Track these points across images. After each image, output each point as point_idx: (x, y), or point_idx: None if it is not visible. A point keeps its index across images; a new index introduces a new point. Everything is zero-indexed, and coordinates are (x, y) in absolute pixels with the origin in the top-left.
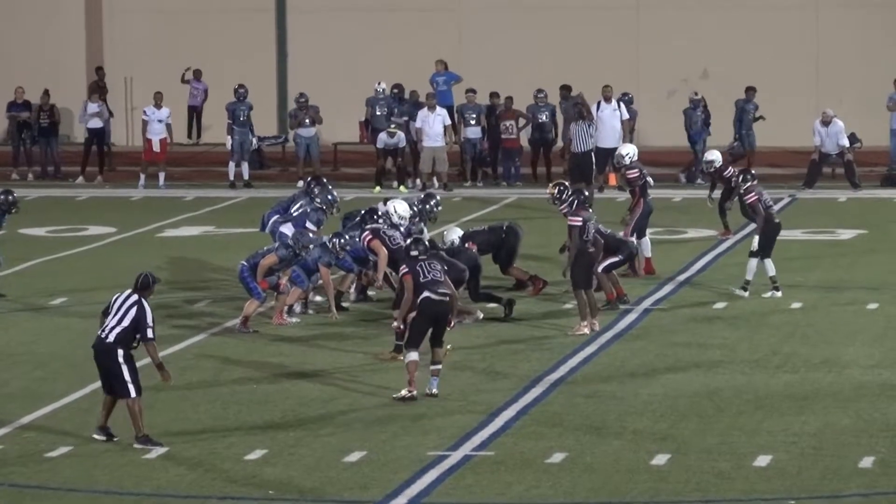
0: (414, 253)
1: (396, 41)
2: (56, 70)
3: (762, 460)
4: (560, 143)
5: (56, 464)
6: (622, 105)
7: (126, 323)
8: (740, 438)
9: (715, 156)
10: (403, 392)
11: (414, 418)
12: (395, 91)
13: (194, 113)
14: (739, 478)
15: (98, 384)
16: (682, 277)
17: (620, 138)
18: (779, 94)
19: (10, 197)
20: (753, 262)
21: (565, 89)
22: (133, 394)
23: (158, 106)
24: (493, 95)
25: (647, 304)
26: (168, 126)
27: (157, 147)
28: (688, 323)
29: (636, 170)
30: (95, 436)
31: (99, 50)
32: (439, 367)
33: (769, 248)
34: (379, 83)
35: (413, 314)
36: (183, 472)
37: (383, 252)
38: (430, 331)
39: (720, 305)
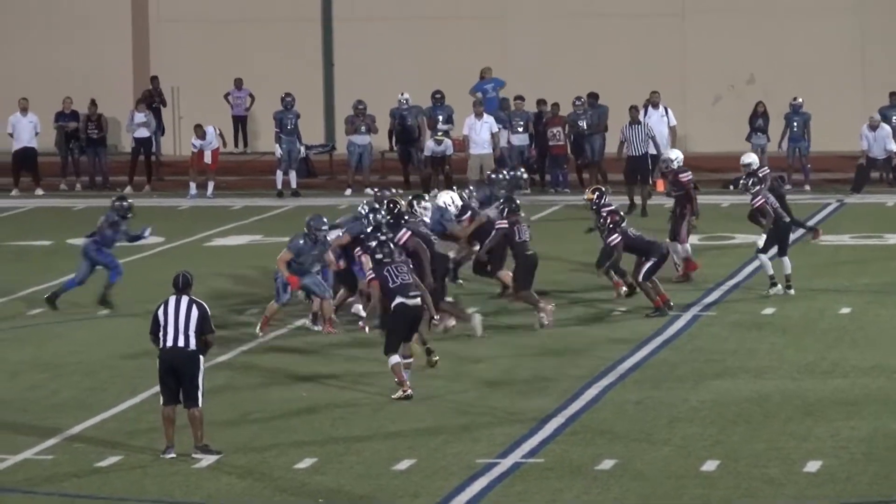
0: (378, 256)
1: (441, 49)
2: (103, 80)
3: (812, 466)
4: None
5: (106, 474)
6: (669, 111)
7: (193, 325)
8: (789, 444)
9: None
10: (399, 393)
11: (464, 426)
12: (438, 97)
13: (239, 122)
14: (789, 483)
15: (148, 393)
16: (730, 283)
17: (668, 144)
18: (826, 99)
19: (125, 203)
20: (764, 257)
21: (592, 97)
22: (201, 403)
23: (202, 136)
24: (541, 103)
25: (695, 310)
26: (221, 136)
27: (208, 158)
28: (736, 329)
29: (688, 173)
30: (167, 455)
31: (146, 60)
32: (411, 360)
33: (784, 247)
34: (402, 93)
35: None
36: (233, 481)
37: (426, 252)
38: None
39: (769, 311)
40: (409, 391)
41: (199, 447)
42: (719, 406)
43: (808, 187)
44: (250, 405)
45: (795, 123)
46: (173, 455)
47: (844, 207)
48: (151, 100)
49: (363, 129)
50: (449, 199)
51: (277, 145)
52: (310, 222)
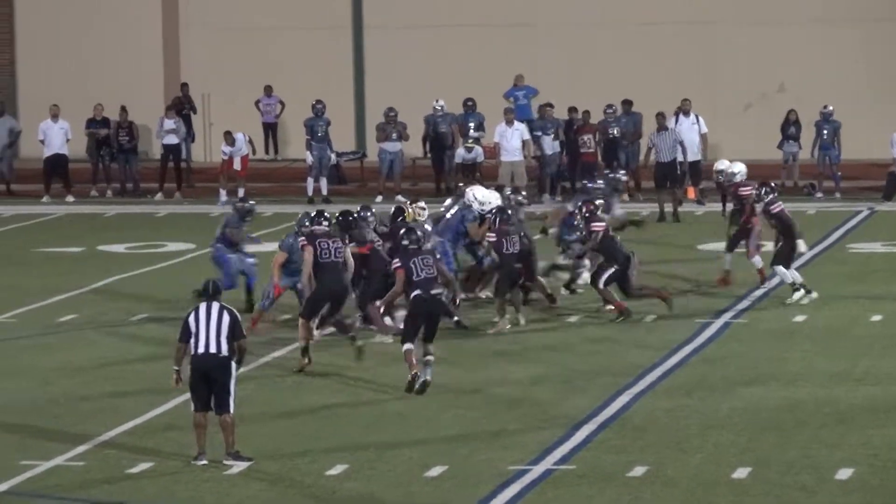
0: (405, 243)
1: (472, 57)
2: (134, 87)
3: (843, 473)
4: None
5: (137, 480)
6: (700, 119)
7: (225, 331)
8: (821, 452)
9: (739, 168)
10: (409, 376)
11: (494, 433)
12: (469, 104)
13: (269, 129)
14: (821, 491)
15: (179, 399)
16: (761, 291)
17: (699, 151)
18: (857, 107)
19: (247, 204)
20: (780, 268)
21: (627, 104)
22: (232, 409)
23: (231, 143)
24: (572, 110)
25: (727, 317)
26: (251, 143)
27: (237, 165)
28: (768, 336)
29: (749, 187)
30: (199, 462)
31: (176, 67)
32: (431, 357)
33: (791, 258)
34: (437, 100)
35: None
36: (264, 487)
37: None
38: (423, 327)
39: (800, 318)
40: (416, 371)
41: (231, 454)
42: (751, 413)
43: (838, 195)
44: (280, 412)
45: (825, 131)
46: (205, 462)
47: (876, 215)
48: (181, 106)
49: (394, 136)
50: (482, 195)
51: (308, 152)
52: (301, 219)
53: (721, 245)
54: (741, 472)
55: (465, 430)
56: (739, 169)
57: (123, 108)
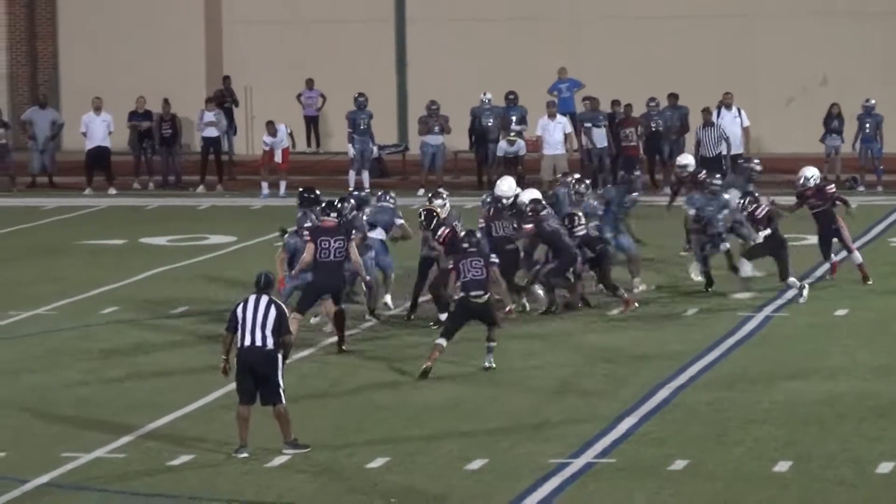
0: (465, 245)
1: (513, 49)
2: (176, 80)
3: (884, 467)
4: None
5: (178, 472)
6: (742, 112)
7: (271, 324)
8: (862, 446)
9: (812, 173)
10: (425, 364)
11: (536, 426)
12: (511, 97)
13: (311, 122)
14: (862, 485)
15: (220, 392)
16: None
17: (741, 144)
18: None
19: (363, 192)
20: (745, 261)
21: (673, 97)
22: (284, 399)
23: (273, 133)
24: (614, 104)
25: (768, 310)
26: (291, 135)
27: (278, 158)
28: (808, 329)
29: (832, 185)
30: (240, 455)
31: (219, 60)
32: (494, 343)
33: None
34: (485, 93)
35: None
36: (305, 480)
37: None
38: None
39: (841, 312)
40: (429, 364)
41: (289, 443)
42: (791, 407)
43: (881, 189)
44: (321, 404)
45: (868, 125)
46: (246, 455)
47: None
48: (223, 99)
49: (436, 129)
50: (504, 187)
51: (350, 145)
52: (300, 219)
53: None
54: (782, 466)
55: (507, 422)
56: (813, 174)
57: (166, 101)
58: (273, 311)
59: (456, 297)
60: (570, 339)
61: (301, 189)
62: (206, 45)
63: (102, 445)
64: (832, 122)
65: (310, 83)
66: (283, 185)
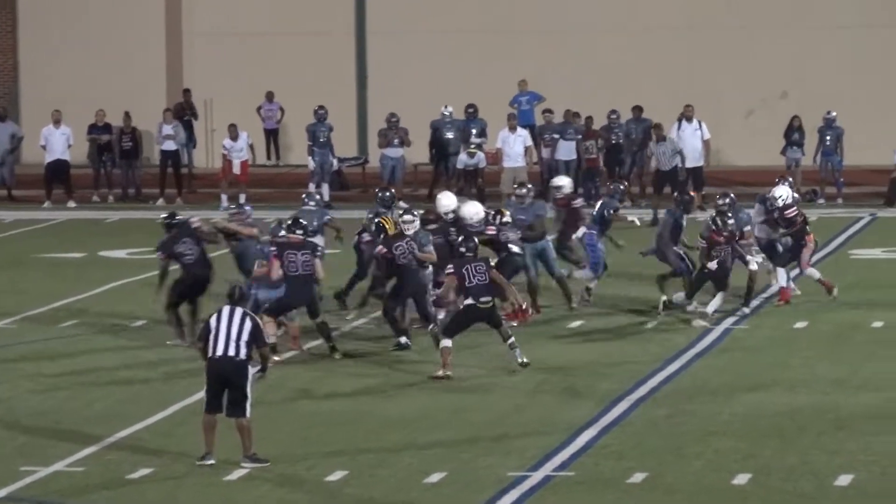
0: (462, 250)
1: (473, 62)
2: (136, 93)
3: (843, 480)
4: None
5: (139, 486)
6: (703, 125)
7: (246, 336)
8: (821, 458)
9: (780, 193)
10: (439, 372)
11: (495, 439)
12: (471, 111)
13: (271, 135)
14: (821, 498)
15: (179, 405)
16: (762, 297)
17: (701, 157)
18: (859, 113)
19: (388, 193)
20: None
21: (637, 110)
22: (249, 413)
23: (235, 138)
24: (575, 115)
25: (727, 323)
26: (251, 147)
27: (237, 169)
28: (768, 342)
29: (794, 208)
30: (206, 462)
31: (179, 72)
32: (512, 339)
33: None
34: (446, 106)
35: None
36: (265, 492)
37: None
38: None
39: (801, 324)
40: (450, 373)
41: (249, 456)
42: (751, 420)
43: (840, 201)
44: (282, 417)
45: (828, 137)
46: (212, 462)
47: (877, 221)
48: (183, 112)
49: (396, 141)
50: (473, 211)
51: (310, 158)
52: (275, 228)
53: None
54: (741, 479)
55: (467, 435)
56: (780, 193)
57: (127, 114)
58: (248, 323)
59: (464, 304)
60: (530, 352)
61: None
62: (166, 57)
63: (62, 459)
64: (793, 134)
65: (269, 96)
66: (242, 197)
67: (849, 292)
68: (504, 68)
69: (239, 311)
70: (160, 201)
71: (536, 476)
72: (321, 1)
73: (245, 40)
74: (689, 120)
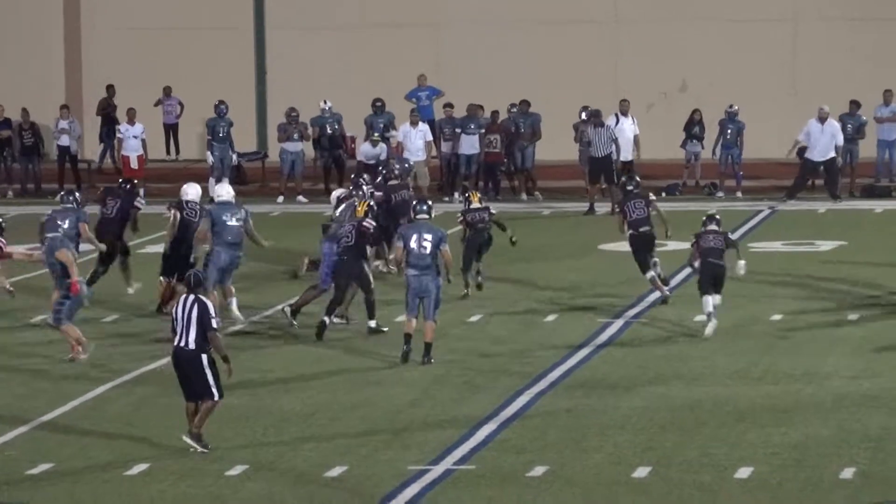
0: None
1: (374, 57)
2: (36, 87)
3: (743, 472)
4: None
5: (37, 481)
6: (636, 120)
7: (195, 324)
8: (721, 451)
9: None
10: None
11: (395, 432)
12: (378, 105)
13: (170, 130)
14: (721, 490)
15: (79, 401)
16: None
17: (632, 152)
18: (757, 106)
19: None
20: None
21: (525, 104)
22: (216, 397)
23: (132, 122)
24: (479, 108)
25: (627, 316)
26: (143, 142)
27: (134, 164)
28: (668, 335)
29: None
30: (188, 440)
31: (78, 67)
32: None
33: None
34: (325, 101)
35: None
36: (165, 488)
37: None
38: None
39: (700, 318)
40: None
41: (193, 434)
42: (651, 413)
43: (739, 194)
44: (181, 412)
45: (729, 130)
46: (192, 442)
47: (776, 215)
48: (108, 109)
49: (295, 136)
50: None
51: (209, 153)
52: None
53: (618, 246)
54: (641, 472)
55: (366, 429)
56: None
57: (25, 110)
58: (195, 310)
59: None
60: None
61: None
62: (64, 52)
63: None
64: (693, 127)
65: (167, 90)
66: (141, 192)
67: (748, 286)
68: (403, 63)
69: (192, 297)
70: (59, 196)
71: (437, 470)
72: None
73: (145, 35)
74: (626, 114)
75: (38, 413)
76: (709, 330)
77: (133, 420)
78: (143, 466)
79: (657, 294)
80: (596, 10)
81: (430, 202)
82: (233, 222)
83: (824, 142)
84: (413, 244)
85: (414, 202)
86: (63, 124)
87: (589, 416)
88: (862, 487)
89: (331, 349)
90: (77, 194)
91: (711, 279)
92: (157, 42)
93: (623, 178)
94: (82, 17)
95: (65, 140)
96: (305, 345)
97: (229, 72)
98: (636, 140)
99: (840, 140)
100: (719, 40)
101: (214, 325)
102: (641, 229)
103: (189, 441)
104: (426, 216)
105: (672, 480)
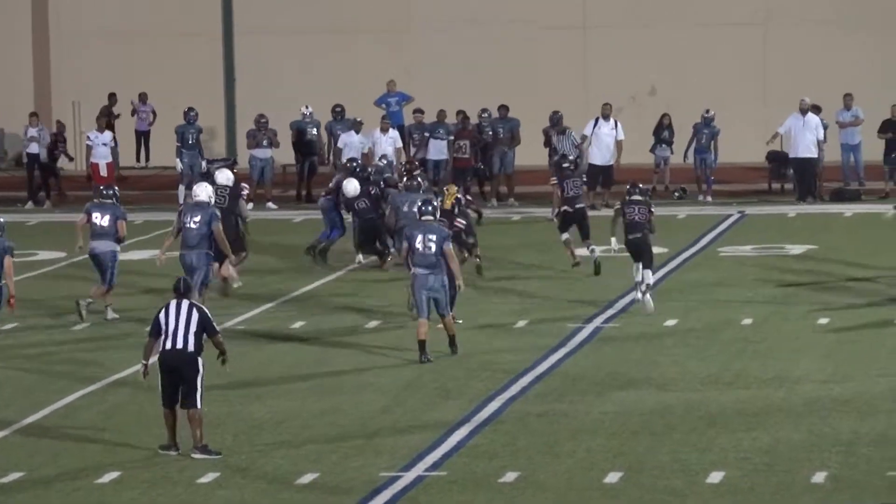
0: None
1: (344, 63)
2: (4, 94)
3: (715, 477)
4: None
5: (8, 490)
6: (619, 124)
7: (195, 328)
8: (692, 455)
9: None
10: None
11: (366, 438)
12: (338, 111)
13: (142, 137)
14: (692, 495)
15: (49, 409)
16: (632, 295)
17: (613, 157)
18: (727, 111)
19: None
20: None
21: (504, 109)
22: (200, 405)
23: (101, 130)
24: (445, 115)
25: (598, 321)
26: (113, 150)
27: (103, 171)
28: (639, 340)
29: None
30: (168, 452)
31: (46, 74)
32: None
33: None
34: (306, 106)
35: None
36: (136, 496)
37: None
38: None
39: (671, 322)
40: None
41: (199, 447)
42: (622, 417)
43: (709, 199)
44: (153, 419)
45: (704, 135)
46: (174, 453)
47: (746, 219)
48: (110, 116)
49: (265, 142)
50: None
51: (178, 160)
52: None
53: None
54: (613, 477)
55: (337, 435)
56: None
57: None
58: (196, 315)
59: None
60: (400, 352)
61: None
62: (33, 58)
63: None
64: (662, 132)
65: (143, 97)
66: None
67: (718, 290)
68: (375, 68)
69: (185, 303)
70: (28, 204)
71: (408, 476)
72: (188, 2)
73: (113, 41)
74: (607, 118)
75: (11, 421)
76: (647, 305)
77: (105, 427)
78: (114, 474)
79: (629, 298)
80: (565, 15)
81: (434, 203)
82: (190, 225)
83: (804, 136)
84: (418, 244)
85: (419, 203)
86: (32, 132)
87: (560, 421)
88: (833, 491)
89: (302, 356)
90: (116, 189)
91: (636, 256)
92: (126, 48)
93: (628, 187)
94: (50, 23)
95: (34, 148)
96: (276, 352)
97: (198, 78)
98: (619, 146)
99: (821, 135)
100: (689, 45)
101: (217, 328)
102: (631, 236)
103: (200, 456)
104: (431, 217)
105: (644, 486)
